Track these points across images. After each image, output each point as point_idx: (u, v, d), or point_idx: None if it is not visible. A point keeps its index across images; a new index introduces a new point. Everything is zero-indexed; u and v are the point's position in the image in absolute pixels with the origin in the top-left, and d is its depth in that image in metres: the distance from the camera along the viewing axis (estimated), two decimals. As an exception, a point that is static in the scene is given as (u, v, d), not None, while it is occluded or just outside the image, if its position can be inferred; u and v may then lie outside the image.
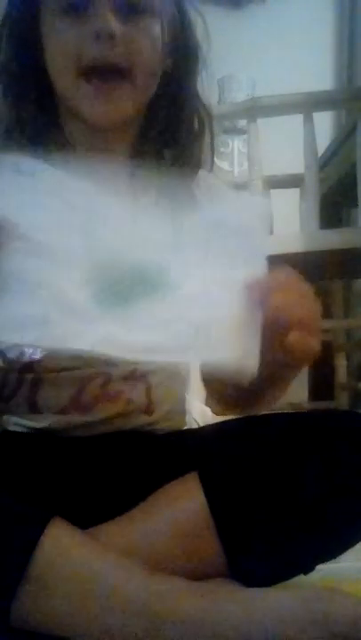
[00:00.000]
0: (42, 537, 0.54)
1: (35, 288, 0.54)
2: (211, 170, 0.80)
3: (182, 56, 0.74)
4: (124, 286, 0.55)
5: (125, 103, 0.70)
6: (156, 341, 0.54)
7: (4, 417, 0.72)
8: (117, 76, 0.68)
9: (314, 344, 0.54)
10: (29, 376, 0.71)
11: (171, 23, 0.72)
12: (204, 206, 0.56)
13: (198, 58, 0.75)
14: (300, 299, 0.56)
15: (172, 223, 0.56)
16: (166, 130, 0.75)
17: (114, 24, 0.66)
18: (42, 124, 0.73)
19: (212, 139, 0.79)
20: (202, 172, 0.77)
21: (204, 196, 0.74)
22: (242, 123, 1.92)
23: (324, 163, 1.81)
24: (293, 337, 0.53)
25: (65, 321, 0.54)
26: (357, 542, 0.63)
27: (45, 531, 0.54)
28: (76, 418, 0.70)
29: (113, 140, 0.74)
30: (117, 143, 0.74)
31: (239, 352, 0.55)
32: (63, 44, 0.68)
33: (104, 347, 0.54)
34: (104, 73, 0.67)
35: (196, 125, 0.77)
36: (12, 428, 0.72)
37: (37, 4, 0.70)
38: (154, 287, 0.55)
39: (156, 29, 0.70)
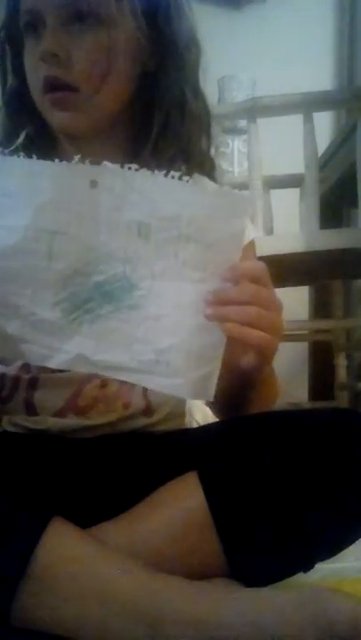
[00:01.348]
0: (42, 536, 0.54)
1: (10, 310, 0.57)
2: (213, 170, 0.79)
3: (166, 55, 0.74)
4: (94, 305, 0.57)
5: (84, 112, 0.71)
6: (121, 361, 0.57)
7: (4, 418, 0.72)
8: (68, 88, 0.70)
9: (255, 336, 0.56)
10: (26, 377, 0.71)
11: (142, 31, 0.72)
12: (177, 216, 0.55)
13: (185, 55, 0.75)
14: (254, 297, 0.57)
15: (140, 235, 0.56)
16: (161, 132, 0.74)
17: (55, 44, 0.69)
18: (36, 135, 0.76)
19: (210, 139, 0.79)
20: (196, 175, 0.77)
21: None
22: (242, 123, 1.92)
23: (325, 163, 1.81)
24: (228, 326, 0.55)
25: (40, 340, 0.57)
26: (356, 540, 0.63)
27: (46, 530, 0.54)
28: (73, 421, 0.70)
29: (102, 150, 0.74)
30: (108, 152, 0.74)
31: (196, 380, 0.57)
32: (28, 64, 0.73)
33: (76, 364, 0.58)
34: (56, 87, 0.70)
35: (193, 125, 0.76)
36: (11, 429, 0.72)
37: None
38: (121, 306, 0.56)
39: (112, 39, 0.70)
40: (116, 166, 0.56)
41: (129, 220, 0.56)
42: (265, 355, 0.59)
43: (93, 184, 0.55)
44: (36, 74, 0.72)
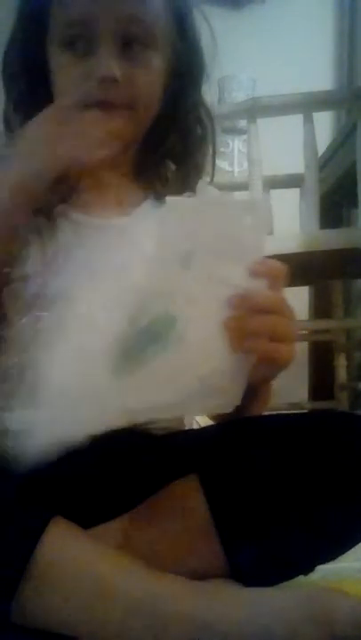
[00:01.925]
0: (43, 536, 0.54)
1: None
2: (212, 176, 0.80)
3: (184, 71, 0.75)
4: (139, 349, 0.54)
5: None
6: (164, 400, 0.55)
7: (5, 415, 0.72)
8: (119, 107, 0.69)
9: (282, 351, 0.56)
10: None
11: (173, 49, 0.73)
12: (218, 236, 0.54)
13: (201, 70, 0.76)
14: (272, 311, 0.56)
15: (182, 264, 0.54)
16: (169, 140, 0.75)
17: (116, 67, 0.67)
18: None
19: (214, 145, 0.79)
20: (201, 183, 0.77)
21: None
22: (242, 123, 1.92)
23: (324, 163, 1.81)
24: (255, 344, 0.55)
25: (85, 401, 0.54)
26: (357, 544, 0.63)
27: (46, 529, 0.54)
28: None
29: (117, 160, 0.74)
30: (121, 160, 0.75)
31: (232, 395, 0.57)
32: (68, 82, 0.70)
33: (120, 419, 0.55)
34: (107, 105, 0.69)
35: (198, 132, 0.77)
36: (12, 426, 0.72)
37: (43, 32, 0.71)
38: (165, 343, 0.54)
39: (158, 61, 0.71)
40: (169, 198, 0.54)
41: (173, 251, 0.54)
42: (281, 365, 0.59)
43: None
44: (79, 90, 0.69)
